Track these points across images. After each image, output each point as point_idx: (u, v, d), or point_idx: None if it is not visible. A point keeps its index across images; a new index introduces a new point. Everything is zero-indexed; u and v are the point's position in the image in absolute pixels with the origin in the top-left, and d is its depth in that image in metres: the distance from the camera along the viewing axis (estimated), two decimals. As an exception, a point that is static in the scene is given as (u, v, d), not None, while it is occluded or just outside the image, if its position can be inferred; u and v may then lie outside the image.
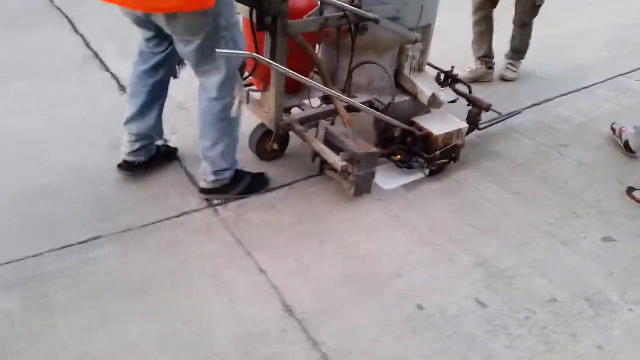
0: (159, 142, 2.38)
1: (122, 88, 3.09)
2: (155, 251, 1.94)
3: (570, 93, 3.40)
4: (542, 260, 2.00)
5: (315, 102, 2.48)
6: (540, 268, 1.96)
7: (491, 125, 2.77)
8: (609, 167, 2.62)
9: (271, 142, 2.39)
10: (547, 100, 3.28)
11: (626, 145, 2.67)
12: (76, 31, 3.95)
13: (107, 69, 3.37)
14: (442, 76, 2.69)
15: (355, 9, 2.06)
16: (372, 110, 2.21)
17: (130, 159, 2.27)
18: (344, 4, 2.05)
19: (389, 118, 2.27)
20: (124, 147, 2.25)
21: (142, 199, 2.21)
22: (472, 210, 2.27)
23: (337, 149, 2.22)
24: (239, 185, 2.20)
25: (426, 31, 2.46)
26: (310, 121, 2.31)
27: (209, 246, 1.98)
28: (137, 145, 2.24)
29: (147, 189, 2.27)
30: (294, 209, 2.19)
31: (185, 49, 1.81)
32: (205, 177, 2.15)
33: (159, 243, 1.98)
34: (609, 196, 2.40)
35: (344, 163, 2.05)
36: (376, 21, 2.13)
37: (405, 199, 2.31)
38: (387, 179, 2.40)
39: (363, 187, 2.25)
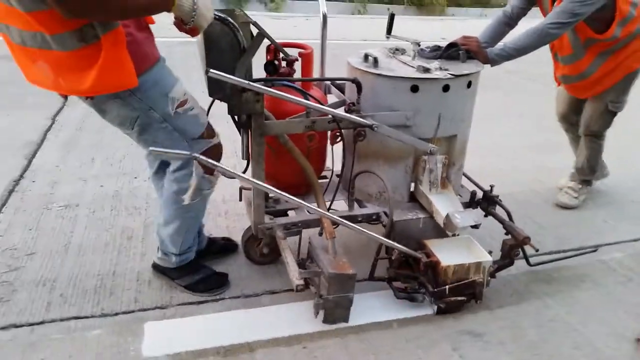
0: (214, 236, 2.38)
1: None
2: None
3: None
4: None
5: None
6: None
7: (541, 264, 2.22)
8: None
9: (261, 246, 2.21)
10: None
11: None
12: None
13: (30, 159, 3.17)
14: (479, 195, 2.28)
15: (341, 113, 1.88)
16: (357, 227, 1.90)
17: None
18: (329, 108, 1.88)
19: (380, 238, 1.94)
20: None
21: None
22: None
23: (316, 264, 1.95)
24: (185, 277, 2.06)
25: (450, 143, 2.14)
26: (296, 228, 2.09)
27: None
28: None
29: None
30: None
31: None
32: (157, 251, 2.09)
33: None
34: None
35: (300, 282, 1.76)
36: (371, 127, 1.91)
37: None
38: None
39: (335, 314, 1.90)
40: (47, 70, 1.53)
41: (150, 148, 1.56)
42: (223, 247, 2.34)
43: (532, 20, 2.51)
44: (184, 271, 2.07)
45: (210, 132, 1.87)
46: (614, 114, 2.65)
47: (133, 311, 1.98)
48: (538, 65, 2.77)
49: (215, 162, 1.65)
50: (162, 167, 2.08)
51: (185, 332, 1.90)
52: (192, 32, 1.56)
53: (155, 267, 2.12)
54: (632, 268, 2.39)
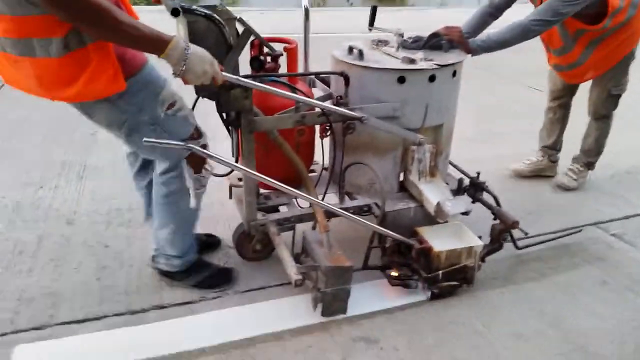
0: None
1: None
2: None
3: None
4: None
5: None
6: None
7: (528, 246, 2.28)
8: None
9: (254, 242, 2.21)
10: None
11: None
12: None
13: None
14: (465, 182, 2.33)
15: (332, 107, 1.89)
16: (351, 215, 1.93)
17: None
18: (318, 101, 1.89)
19: (375, 226, 1.96)
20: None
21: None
22: None
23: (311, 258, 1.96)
24: (192, 277, 2.05)
25: (437, 132, 2.17)
26: (289, 223, 2.09)
27: None
28: None
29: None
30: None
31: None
32: (158, 257, 2.06)
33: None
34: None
35: (299, 277, 1.77)
36: (360, 120, 1.92)
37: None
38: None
39: (334, 307, 1.92)
40: (29, 77, 1.48)
41: (144, 139, 1.52)
42: (206, 244, 2.33)
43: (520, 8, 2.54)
44: (189, 272, 2.06)
45: (198, 132, 1.85)
46: (619, 96, 2.74)
47: (5, 334, 1.85)
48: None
49: (211, 153, 1.64)
50: (143, 168, 2.05)
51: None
52: (183, 81, 1.54)
53: (162, 273, 2.09)
54: (547, 260, 2.34)
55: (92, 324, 1.92)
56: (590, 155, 2.97)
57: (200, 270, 2.07)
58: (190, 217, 1.97)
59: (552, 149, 3.06)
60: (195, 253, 2.09)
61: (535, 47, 2.83)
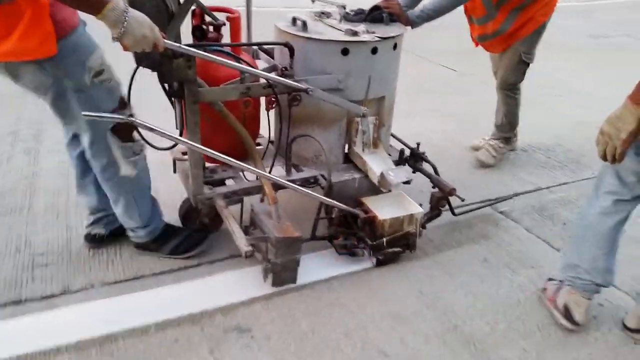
0: None
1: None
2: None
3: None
4: None
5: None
6: None
7: (463, 213, 2.43)
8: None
9: (201, 216, 2.18)
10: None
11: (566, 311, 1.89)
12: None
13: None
14: (406, 153, 2.42)
15: (278, 78, 1.88)
16: (300, 188, 1.95)
17: (88, 231, 2.15)
18: (264, 72, 1.88)
19: (322, 197, 2.00)
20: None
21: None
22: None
23: (260, 230, 1.97)
24: (166, 245, 2.07)
25: (380, 104, 2.23)
26: (236, 196, 2.08)
27: None
28: (91, 218, 2.14)
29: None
30: None
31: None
32: (127, 231, 2.07)
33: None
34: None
35: (248, 248, 1.78)
36: (306, 91, 1.93)
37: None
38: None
39: (284, 277, 1.95)
40: None
41: (83, 113, 1.49)
42: None
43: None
44: (160, 240, 2.06)
45: (123, 103, 1.79)
46: (527, 65, 2.86)
47: None
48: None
49: (153, 126, 1.60)
50: (75, 138, 1.96)
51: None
52: (122, 46, 1.48)
53: (136, 245, 2.09)
54: (433, 239, 2.35)
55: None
56: (504, 131, 3.09)
57: (171, 239, 2.07)
58: (138, 185, 1.92)
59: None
60: (160, 221, 2.08)
61: (451, 27, 2.86)
